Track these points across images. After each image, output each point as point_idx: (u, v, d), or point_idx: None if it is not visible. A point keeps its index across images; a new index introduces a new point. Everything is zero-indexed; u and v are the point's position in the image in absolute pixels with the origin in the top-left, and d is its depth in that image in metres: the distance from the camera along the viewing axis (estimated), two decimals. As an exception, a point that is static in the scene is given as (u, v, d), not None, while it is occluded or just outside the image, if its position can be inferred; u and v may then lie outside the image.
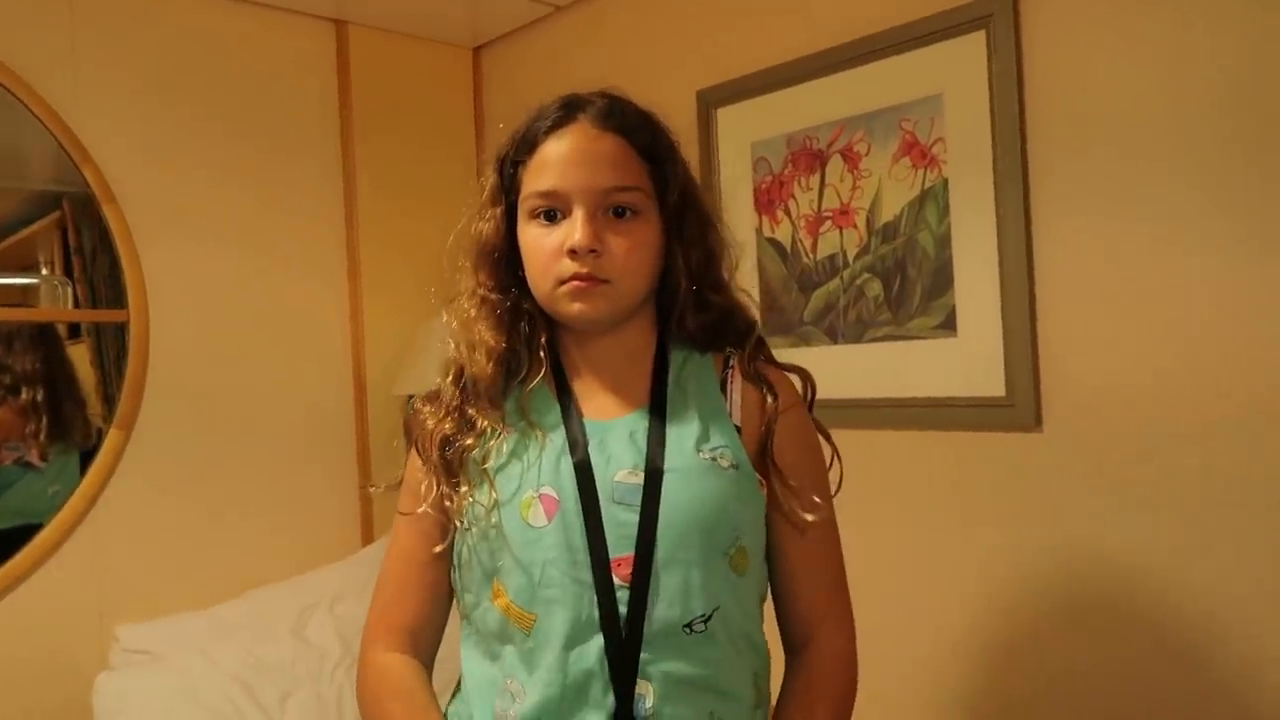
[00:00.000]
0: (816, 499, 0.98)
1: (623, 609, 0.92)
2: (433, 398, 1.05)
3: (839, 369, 1.81)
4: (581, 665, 0.92)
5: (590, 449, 0.96)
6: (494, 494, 0.96)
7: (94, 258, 2.11)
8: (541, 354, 1.00)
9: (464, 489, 0.97)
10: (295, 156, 2.36)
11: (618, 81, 2.31)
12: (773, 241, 1.92)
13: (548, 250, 0.95)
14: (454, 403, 1.01)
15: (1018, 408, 1.58)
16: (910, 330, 1.72)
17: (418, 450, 1.03)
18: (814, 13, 1.85)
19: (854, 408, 1.79)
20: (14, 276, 2.14)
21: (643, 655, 0.92)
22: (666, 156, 1.00)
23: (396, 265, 2.43)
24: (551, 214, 0.96)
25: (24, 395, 2.01)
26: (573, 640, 0.92)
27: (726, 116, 1.99)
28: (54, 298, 2.17)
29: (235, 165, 2.26)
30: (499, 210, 1.01)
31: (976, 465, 1.65)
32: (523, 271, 0.99)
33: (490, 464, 0.97)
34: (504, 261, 1.01)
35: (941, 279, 1.67)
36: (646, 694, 0.92)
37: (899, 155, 1.72)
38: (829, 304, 1.83)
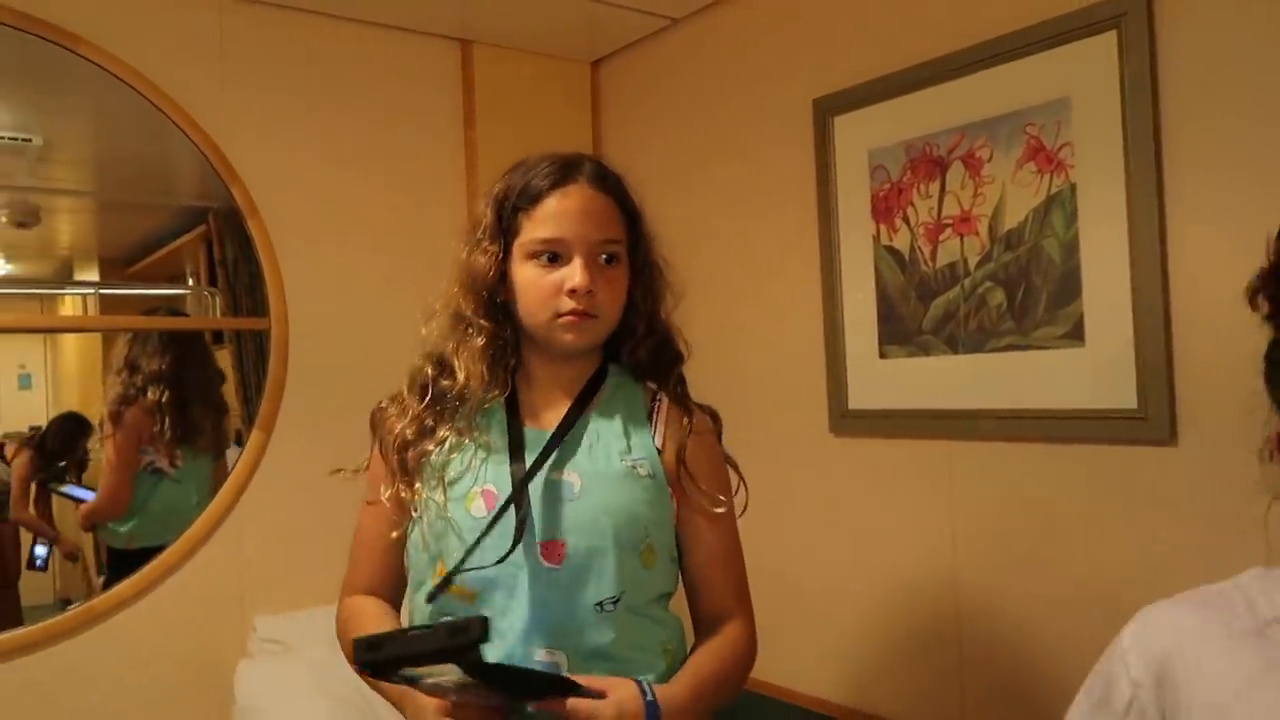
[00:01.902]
0: (722, 499, 1.17)
1: (547, 587, 1.09)
2: (396, 399, 1.22)
3: (959, 379, 1.78)
4: (511, 632, 1.08)
5: (527, 453, 1.13)
6: (445, 492, 1.12)
7: (236, 268, 2.24)
8: (509, 378, 1.17)
9: (418, 486, 1.14)
10: (423, 171, 2.45)
11: (735, 92, 2.35)
12: (890, 250, 1.90)
13: (547, 288, 1.12)
14: (417, 410, 1.17)
15: (1151, 420, 1.51)
16: (1035, 340, 1.67)
17: (380, 448, 1.21)
18: (932, 18, 1.83)
19: (975, 419, 1.75)
20: (165, 287, 2.30)
21: (560, 626, 1.08)
22: (638, 215, 1.20)
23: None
24: (553, 257, 1.12)
25: (164, 398, 2.14)
26: (503, 611, 1.09)
27: (843, 124, 1.98)
28: (201, 307, 2.33)
29: (368, 180, 2.36)
30: (495, 247, 1.15)
31: (1106, 480, 1.59)
32: (502, 300, 1.16)
33: (445, 467, 1.14)
34: (492, 292, 1.16)
35: (1068, 287, 1.62)
36: (561, 662, 1.08)
37: (1023, 161, 1.68)
38: (949, 313, 1.80)
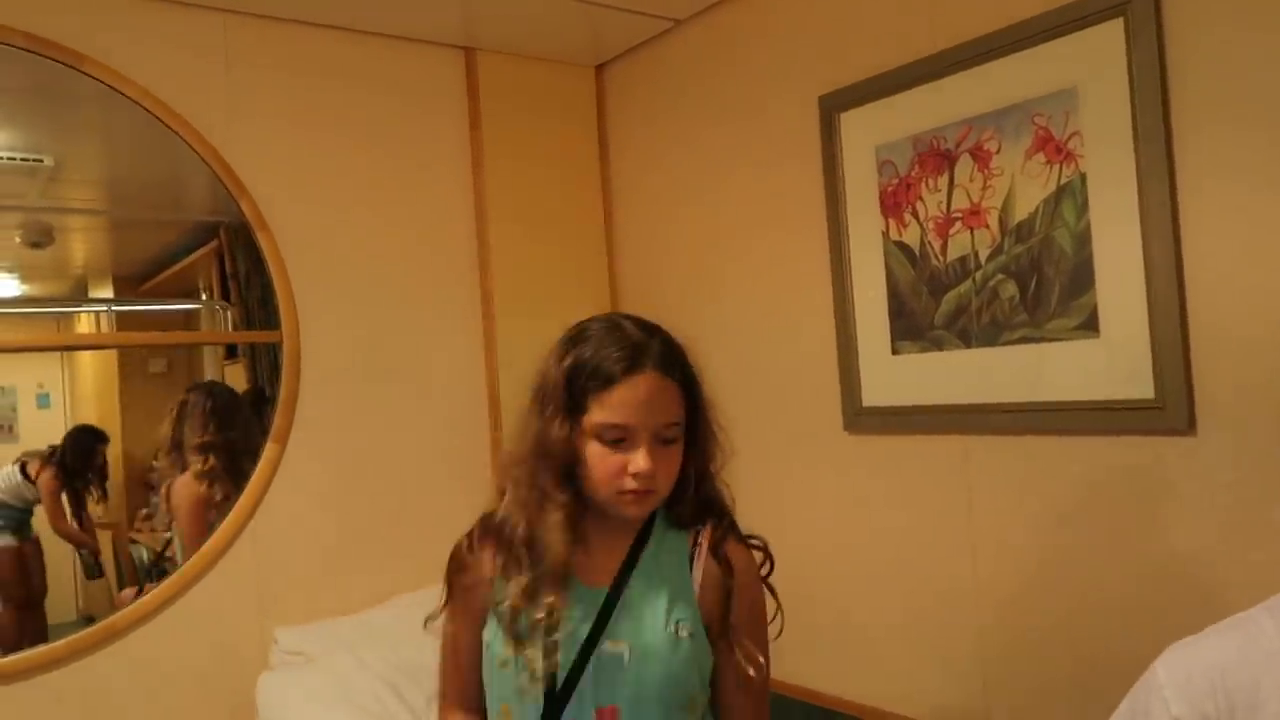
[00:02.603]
0: (759, 658, 1.24)
1: None
2: (473, 551, 1.29)
3: (973, 373, 1.77)
4: None
5: (584, 615, 1.22)
6: (531, 655, 1.21)
7: (248, 282, 2.25)
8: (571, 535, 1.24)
9: (515, 648, 1.22)
10: (430, 180, 2.46)
11: (740, 92, 2.35)
12: (900, 245, 1.89)
13: (613, 467, 1.19)
14: (524, 580, 1.23)
15: (1168, 410, 1.50)
16: (1048, 332, 1.66)
17: (454, 588, 1.30)
18: (937, 12, 1.82)
19: (989, 413, 1.74)
20: (178, 303, 2.31)
21: None
22: (697, 389, 1.25)
23: (525, 280, 2.51)
24: (619, 441, 1.19)
25: (209, 465, 2.20)
26: None
27: (850, 121, 1.98)
28: (214, 321, 2.34)
29: (375, 191, 2.37)
30: (568, 423, 1.21)
31: (1122, 472, 1.58)
32: (571, 463, 1.22)
33: (520, 622, 1.22)
34: (568, 466, 1.22)
35: (1081, 278, 1.61)
36: None
37: (1032, 151, 1.67)
38: (961, 307, 1.79)
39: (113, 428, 2.19)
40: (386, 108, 2.40)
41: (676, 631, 1.22)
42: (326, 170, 2.30)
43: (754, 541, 1.31)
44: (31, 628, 2.03)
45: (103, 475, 2.14)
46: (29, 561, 2.08)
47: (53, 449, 2.10)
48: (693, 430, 1.25)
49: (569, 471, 1.22)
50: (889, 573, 1.96)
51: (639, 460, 1.18)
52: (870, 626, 2.00)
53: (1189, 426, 1.49)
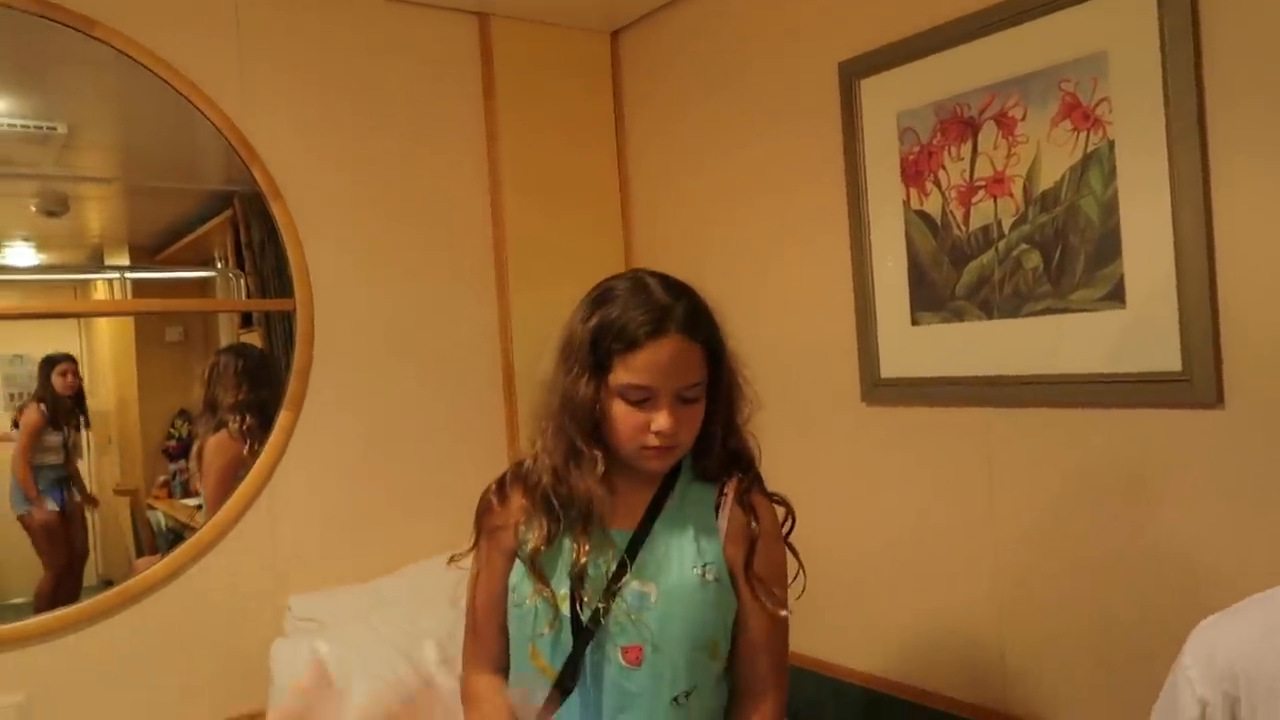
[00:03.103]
0: (780, 598, 1.29)
1: (625, 683, 1.24)
2: (502, 495, 1.35)
3: (995, 345, 1.74)
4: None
5: (612, 557, 1.26)
6: (550, 587, 1.26)
7: (263, 251, 2.24)
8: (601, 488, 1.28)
9: (538, 585, 1.27)
10: (444, 147, 2.44)
11: (757, 58, 2.30)
12: (921, 214, 1.85)
13: (636, 424, 1.23)
14: (545, 523, 1.28)
15: (1195, 382, 1.47)
16: (1073, 303, 1.63)
17: (482, 535, 1.35)
18: (962, -27, 1.77)
19: (1011, 385, 1.71)
20: (192, 271, 2.31)
21: (637, 718, 1.24)
22: (722, 350, 1.28)
23: (540, 249, 2.49)
24: (642, 401, 1.22)
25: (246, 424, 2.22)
26: (587, 704, 1.25)
27: (870, 88, 1.93)
28: (228, 290, 2.33)
29: (388, 159, 2.35)
30: (595, 380, 1.25)
31: (1148, 445, 1.55)
32: (598, 419, 1.26)
33: (553, 564, 1.28)
34: (596, 421, 1.26)
35: (1107, 247, 1.57)
36: None
37: (1058, 118, 1.63)
38: (983, 277, 1.75)
39: (130, 396, 2.20)
40: (400, 75, 2.37)
41: (703, 574, 1.25)
42: (340, 138, 2.28)
43: (777, 498, 1.35)
44: (66, 589, 2.05)
45: (79, 399, 2.12)
46: (72, 525, 2.10)
47: (29, 395, 2.08)
48: (716, 386, 1.28)
49: (595, 426, 1.26)
50: (906, 546, 1.94)
51: (661, 420, 1.21)
52: (886, 599, 1.99)
53: (1216, 399, 1.45)
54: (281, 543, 2.17)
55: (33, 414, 2.07)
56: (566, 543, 1.28)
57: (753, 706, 1.31)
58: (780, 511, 1.35)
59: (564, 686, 1.26)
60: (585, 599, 1.25)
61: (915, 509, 1.91)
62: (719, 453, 1.32)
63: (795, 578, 1.34)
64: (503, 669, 1.37)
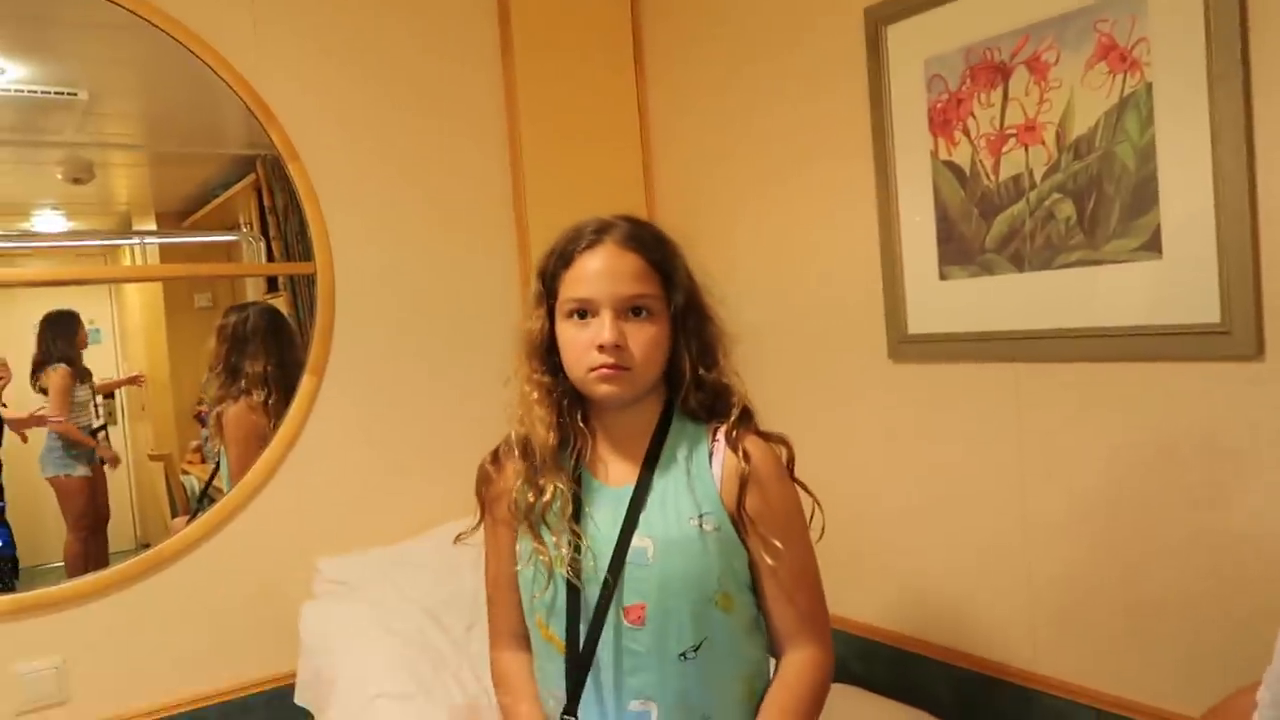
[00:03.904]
0: (779, 546, 1.21)
1: (631, 644, 1.20)
2: (496, 463, 1.32)
3: (1025, 299, 1.69)
4: (605, 687, 1.21)
5: (601, 511, 1.23)
6: (547, 547, 1.23)
7: (286, 216, 2.24)
8: (582, 424, 1.26)
9: (536, 545, 1.24)
10: (462, 106, 2.40)
11: (781, 5, 2.22)
12: (949, 164, 1.79)
13: (581, 344, 1.19)
14: (527, 474, 1.25)
15: (1235, 335, 1.41)
16: (1107, 254, 1.57)
17: (484, 503, 1.33)
18: (994, -89, 1.69)
19: (1042, 340, 1.66)
20: (213, 235, 2.31)
21: (648, 680, 1.20)
22: (674, 268, 1.24)
23: (560, 209, 2.41)
24: (584, 314, 1.19)
25: (271, 399, 2.21)
26: (596, 667, 1.21)
27: (897, 33, 1.87)
28: (252, 255, 2.33)
29: (406, 119, 2.33)
30: (543, 311, 1.24)
31: (1184, 400, 1.50)
32: (559, 357, 1.24)
33: (542, 522, 1.24)
34: (548, 351, 1.25)
35: (1144, 196, 1.51)
36: (651, 709, 1.20)
37: (1093, 61, 1.56)
38: (1014, 229, 1.70)
39: (160, 362, 2.22)
40: (416, 33, 2.33)
41: (701, 525, 1.21)
42: (356, 98, 2.26)
43: (775, 436, 1.29)
44: (95, 552, 2.08)
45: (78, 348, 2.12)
46: (98, 487, 2.12)
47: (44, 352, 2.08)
48: (684, 317, 1.24)
49: (555, 364, 1.24)
50: (934, 504, 1.91)
51: (603, 331, 1.17)
52: (914, 557, 1.96)
53: (1257, 352, 1.40)
54: (308, 506, 2.19)
55: (61, 376, 2.09)
56: (539, 486, 1.24)
57: (784, 662, 1.27)
58: (782, 452, 1.29)
59: (571, 657, 1.23)
60: (589, 562, 1.21)
61: (944, 467, 1.88)
62: (697, 391, 1.26)
63: (812, 515, 1.28)
64: (526, 642, 1.35)
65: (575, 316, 1.20)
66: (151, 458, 2.22)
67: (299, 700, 2.02)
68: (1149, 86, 1.49)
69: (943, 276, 1.83)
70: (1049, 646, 1.73)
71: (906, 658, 1.97)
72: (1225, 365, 1.44)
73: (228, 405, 2.18)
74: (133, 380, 2.21)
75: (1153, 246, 1.51)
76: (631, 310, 1.19)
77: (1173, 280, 1.49)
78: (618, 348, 1.17)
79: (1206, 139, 1.42)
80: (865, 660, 2.05)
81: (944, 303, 1.83)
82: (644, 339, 1.19)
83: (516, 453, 1.28)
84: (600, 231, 1.21)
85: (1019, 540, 1.76)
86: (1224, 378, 1.45)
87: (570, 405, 1.26)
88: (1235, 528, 1.45)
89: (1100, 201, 1.57)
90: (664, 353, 1.23)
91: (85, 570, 2.00)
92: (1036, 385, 1.70)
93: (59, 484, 2.07)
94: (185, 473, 2.23)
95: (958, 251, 1.79)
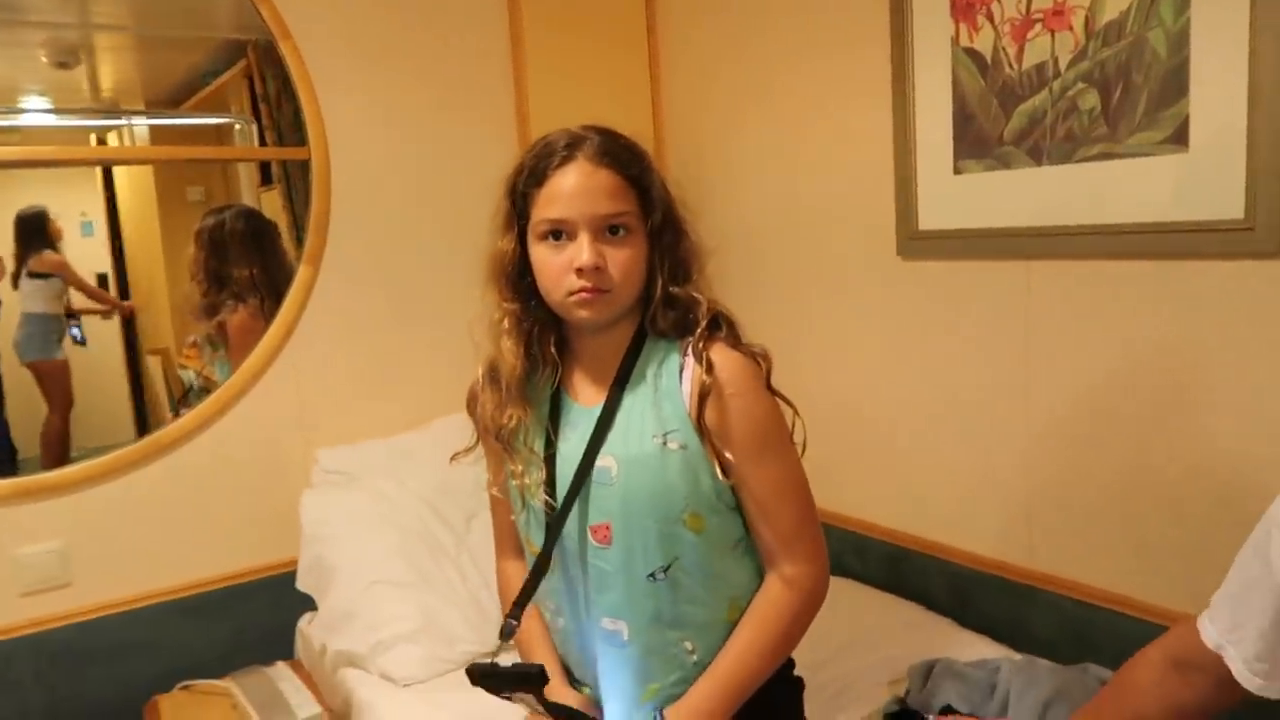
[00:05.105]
0: (731, 459, 1.17)
1: (599, 562, 1.20)
2: (482, 384, 1.28)
3: (1042, 194, 1.64)
4: (577, 604, 1.24)
5: (574, 432, 1.22)
6: (523, 471, 1.23)
7: (279, 103, 2.17)
8: (554, 350, 1.23)
9: (511, 468, 1.24)
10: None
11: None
12: (970, 52, 1.72)
13: (558, 267, 1.15)
14: (495, 396, 1.24)
15: (1259, 231, 1.37)
16: (1130, 147, 1.51)
17: (480, 426, 1.30)
18: None
19: (1057, 236, 1.62)
20: (205, 117, 2.23)
21: (617, 599, 1.19)
22: (650, 183, 1.18)
23: (563, 90, 2.37)
24: (559, 235, 1.15)
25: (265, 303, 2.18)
26: (570, 582, 1.24)
27: (921, -90, 1.77)
28: (243, 140, 2.26)
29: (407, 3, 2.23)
30: (513, 233, 1.20)
31: (1200, 299, 1.46)
32: (531, 281, 1.20)
33: (515, 445, 1.23)
34: (518, 275, 1.21)
35: (1174, 85, 1.45)
36: (622, 629, 1.20)
37: (1129, -60, 1.48)
38: (1034, 120, 1.64)
39: (155, 255, 2.17)
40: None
41: (665, 442, 1.17)
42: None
43: (753, 348, 1.22)
44: (68, 434, 2.07)
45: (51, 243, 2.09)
46: (69, 372, 2.10)
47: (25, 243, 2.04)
48: (660, 233, 1.20)
49: (525, 286, 1.21)
50: (938, 402, 1.90)
51: (581, 253, 1.13)
52: (916, 454, 1.96)
53: (1279, 249, 1.36)
54: (307, 397, 2.17)
55: (53, 257, 2.05)
56: (507, 411, 1.23)
57: (763, 585, 1.23)
58: (761, 364, 1.22)
59: (539, 569, 1.23)
60: (558, 481, 1.21)
61: (948, 365, 1.86)
62: (667, 309, 1.21)
63: (793, 427, 1.22)
64: (524, 552, 1.35)
65: (550, 238, 1.15)
66: (149, 352, 2.20)
67: (300, 586, 2.05)
68: (1187, -33, 1.41)
69: (957, 171, 1.77)
70: (1045, 542, 1.74)
71: (901, 553, 1.99)
72: (1245, 264, 1.40)
73: (227, 314, 2.14)
74: (109, 307, 2.16)
75: (1179, 139, 1.45)
76: (609, 229, 1.15)
77: (1197, 174, 1.43)
78: (597, 270, 1.13)
79: (1245, 23, 1.35)
80: (859, 555, 2.07)
81: (957, 197, 1.78)
82: (622, 259, 1.15)
83: (486, 380, 1.26)
84: (572, 146, 1.15)
85: (1021, 438, 1.75)
86: (1244, 276, 1.41)
87: (542, 331, 1.23)
88: (1249, 428, 1.44)
89: (1127, 91, 1.51)
90: (643, 272, 1.19)
91: (67, 450, 1.99)
92: (1048, 283, 1.67)
93: (40, 367, 2.05)
94: (183, 367, 2.21)
95: (974, 144, 1.73)
